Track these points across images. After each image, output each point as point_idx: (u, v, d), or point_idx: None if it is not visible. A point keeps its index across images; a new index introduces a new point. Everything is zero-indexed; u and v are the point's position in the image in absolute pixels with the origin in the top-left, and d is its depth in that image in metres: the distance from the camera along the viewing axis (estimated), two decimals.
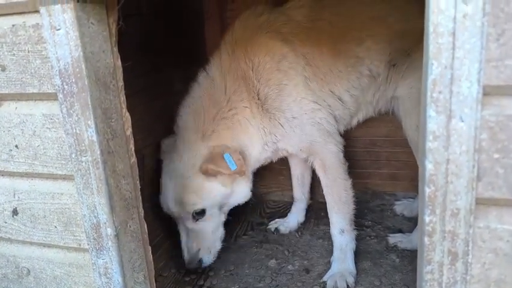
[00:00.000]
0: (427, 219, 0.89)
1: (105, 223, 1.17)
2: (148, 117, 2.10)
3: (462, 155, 0.84)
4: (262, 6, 1.99)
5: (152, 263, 1.34)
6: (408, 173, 2.71)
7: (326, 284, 1.99)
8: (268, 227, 2.50)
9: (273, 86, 1.86)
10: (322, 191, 2.73)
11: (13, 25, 1.11)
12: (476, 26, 0.78)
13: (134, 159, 1.25)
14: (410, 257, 2.16)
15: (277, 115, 1.89)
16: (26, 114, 1.18)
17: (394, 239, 2.30)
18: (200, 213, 1.86)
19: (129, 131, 1.23)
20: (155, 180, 2.17)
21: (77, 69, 1.07)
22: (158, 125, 2.21)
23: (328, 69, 1.90)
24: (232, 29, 1.99)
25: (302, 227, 2.52)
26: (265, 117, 1.90)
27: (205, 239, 1.94)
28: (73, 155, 1.15)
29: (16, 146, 1.22)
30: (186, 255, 1.96)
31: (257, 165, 2.05)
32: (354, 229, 2.10)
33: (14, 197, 1.27)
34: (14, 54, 1.14)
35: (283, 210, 2.59)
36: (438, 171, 0.86)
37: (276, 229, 2.47)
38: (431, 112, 0.84)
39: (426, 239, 0.90)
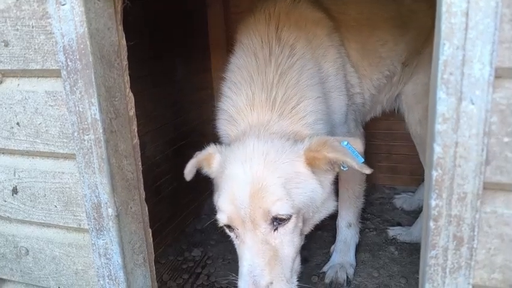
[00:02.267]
0: (433, 203, 0.88)
1: (106, 203, 1.16)
2: (149, 104, 2.09)
3: (471, 138, 0.83)
4: None
5: (152, 246, 1.33)
6: (408, 167, 2.72)
7: (325, 274, 1.99)
8: None
9: (331, 62, 1.66)
10: None
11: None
12: (490, 6, 0.77)
13: (136, 140, 1.23)
14: (409, 250, 2.17)
15: (337, 96, 1.66)
16: (28, 91, 1.17)
17: (393, 231, 2.31)
18: (282, 221, 1.25)
19: (132, 111, 1.21)
20: (155, 166, 2.17)
21: (82, 46, 1.06)
22: (158, 112, 2.20)
23: (355, 63, 1.85)
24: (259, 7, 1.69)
25: None
26: (326, 97, 1.60)
27: (283, 264, 1.27)
28: (75, 134, 1.13)
29: (17, 124, 1.20)
30: (247, 283, 1.23)
31: None
32: (360, 222, 2.11)
33: (14, 176, 1.26)
34: (17, 29, 1.12)
35: None
36: (446, 154, 0.85)
37: None
38: (441, 94, 0.82)
39: (431, 224, 0.89)
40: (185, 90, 2.49)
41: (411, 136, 2.13)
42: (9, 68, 1.16)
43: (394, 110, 2.22)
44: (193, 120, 2.58)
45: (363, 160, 1.24)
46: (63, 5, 1.04)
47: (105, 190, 1.15)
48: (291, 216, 1.24)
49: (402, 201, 2.61)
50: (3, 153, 1.27)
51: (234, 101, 1.49)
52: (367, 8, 1.87)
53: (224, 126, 1.52)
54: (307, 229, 1.41)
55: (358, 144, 1.28)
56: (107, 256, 1.21)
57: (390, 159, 2.74)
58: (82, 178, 1.16)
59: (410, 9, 1.89)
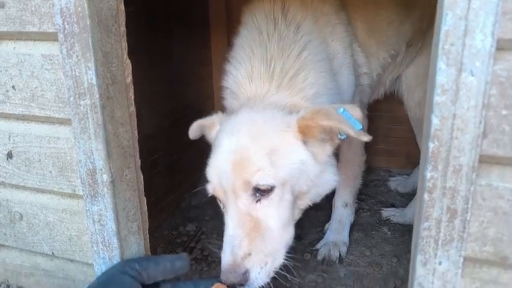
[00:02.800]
0: (428, 175, 0.88)
1: (101, 169, 1.15)
2: (145, 83, 2.07)
3: (469, 110, 0.83)
4: None
5: (147, 214, 1.33)
6: (404, 150, 2.73)
7: (317, 251, 2.01)
8: None
9: (339, 41, 1.62)
10: None
11: None
12: None
13: (133, 108, 1.22)
14: (402, 231, 2.19)
15: (344, 76, 1.62)
16: (24, 54, 1.15)
17: (387, 212, 2.33)
18: (265, 192, 1.20)
19: (129, 79, 1.20)
20: (151, 140, 2.16)
21: (79, 8, 1.04)
22: (155, 91, 2.19)
23: (362, 42, 1.83)
24: None
25: None
26: (335, 77, 1.57)
27: (264, 238, 1.21)
28: (71, 98, 1.12)
29: (13, 87, 1.19)
30: (225, 258, 1.19)
31: None
32: (361, 201, 2.12)
33: (9, 140, 1.25)
34: None
35: None
36: (444, 126, 0.85)
37: None
38: (441, 65, 0.82)
39: (426, 195, 0.90)
40: (184, 66, 2.47)
41: (409, 119, 2.14)
42: (5, 30, 1.14)
43: (394, 92, 2.21)
44: (191, 97, 2.57)
45: (361, 127, 1.16)
46: None
47: (100, 156, 1.14)
48: (273, 187, 1.18)
49: (397, 183, 2.63)
50: None
51: (235, 76, 1.46)
52: None
53: (228, 102, 1.50)
54: (304, 203, 1.34)
55: (356, 111, 1.21)
56: (101, 222, 1.21)
57: (387, 142, 2.75)
58: (77, 144, 1.16)
59: None
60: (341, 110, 1.18)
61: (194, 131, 1.48)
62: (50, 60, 1.13)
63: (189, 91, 2.56)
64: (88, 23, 1.04)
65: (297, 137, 1.23)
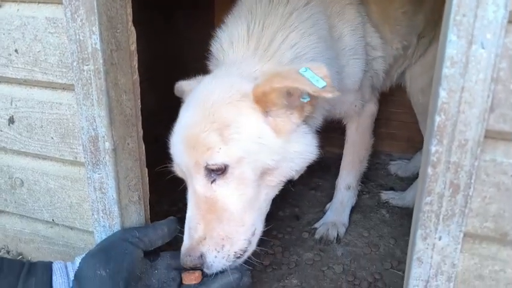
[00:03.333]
0: (433, 149, 0.88)
1: (103, 137, 1.15)
2: (147, 53, 2.04)
3: (478, 83, 0.82)
4: None
5: (148, 185, 1.33)
6: (406, 134, 2.71)
7: (315, 231, 2.01)
8: None
9: (348, 22, 1.53)
10: (321, 146, 2.76)
11: None
12: None
13: (136, 76, 1.21)
14: (400, 214, 2.19)
15: (352, 60, 1.55)
16: (28, 16, 1.14)
17: (386, 195, 2.32)
18: (219, 171, 1.10)
19: (133, 46, 1.19)
20: (153, 116, 2.14)
21: None
22: (157, 63, 2.16)
23: (377, 25, 1.75)
24: None
25: None
26: (338, 60, 1.48)
27: (220, 220, 1.12)
28: (75, 63, 1.11)
29: (16, 51, 1.18)
30: (184, 242, 1.17)
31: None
32: (361, 184, 2.11)
33: (11, 105, 1.24)
34: None
35: None
36: (451, 99, 0.84)
37: None
38: (452, 36, 0.80)
39: (429, 169, 0.89)
40: (187, 43, 2.45)
41: (412, 105, 2.11)
42: None
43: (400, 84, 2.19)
44: (194, 75, 2.55)
45: (324, 84, 1.01)
46: None
47: (103, 123, 1.13)
48: (226, 166, 1.08)
49: (397, 167, 2.62)
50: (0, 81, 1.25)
51: (219, 39, 1.34)
52: None
53: (210, 68, 1.38)
54: (275, 180, 1.19)
55: (321, 69, 1.05)
56: (102, 190, 1.21)
57: (389, 126, 2.73)
58: (79, 110, 1.15)
59: None
60: (303, 69, 1.04)
61: (177, 91, 1.41)
62: (54, 23, 1.12)
63: (191, 69, 2.53)
64: None
65: (255, 108, 1.10)
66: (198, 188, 1.13)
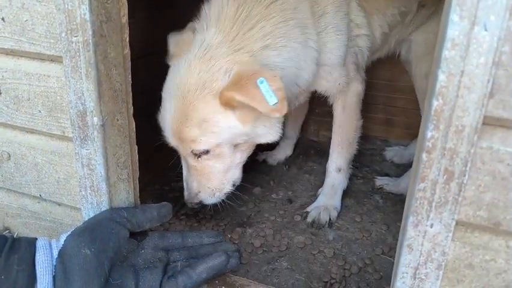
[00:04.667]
0: (429, 134, 0.85)
1: (92, 111, 1.12)
2: (148, 27, 2.00)
3: (479, 67, 0.79)
4: None
5: (138, 164, 1.30)
6: (403, 120, 2.69)
7: (307, 214, 2.00)
8: (256, 157, 2.47)
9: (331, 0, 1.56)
10: (316, 129, 2.74)
11: None
12: None
13: (128, 50, 1.17)
14: (394, 200, 2.18)
15: (333, 36, 1.59)
16: None
17: (381, 181, 2.30)
18: (203, 152, 1.41)
19: (125, 19, 1.14)
20: (148, 93, 2.10)
21: None
22: (158, 35, 2.11)
23: (361, 8, 1.74)
24: None
25: (290, 160, 2.52)
26: (318, 36, 1.54)
27: (209, 180, 1.50)
28: (63, 34, 1.07)
29: (2, 19, 1.13)
30: (185, 193, 1.58)
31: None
32: (356, 168, 2.09)
33: None
34: None
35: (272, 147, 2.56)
36: (450, 83, 0.81)
37: (264, 160, 2.46)
38: (454, 17, 0.77)
39: (424, 155, 0.87)
40: (187, 16, 2.38)
41: (415, 90, 2.08)
42: None
43: (396, 56, 2.15)
44: None
45: (276, 101, 1.18)
46: None
47: (91, 97, 1.10)
48: (208, 150, 1.39)
49: (393, 153, 2.60)
50: None
51: (211, 7, 1.43)
52: None
53: (195, 26, 1.49)
54: (247, 148, 1.52)
55: (275, 82, 1.20)
56: (90, 167, 1.18)
57: (386, 111, 2.70)
58: (67, 83, 1.11)
59: None
60: (261, 80, 1.19)
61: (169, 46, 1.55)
62: None
63: None
64: None
65: (223, 106, 1.30)
66: (188, 159, 1.47)
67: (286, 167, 2.46)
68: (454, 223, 0.90)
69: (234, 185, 1.60)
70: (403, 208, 2.07)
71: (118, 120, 1.18)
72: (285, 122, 2.43)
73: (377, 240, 1.88)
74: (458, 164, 0.85)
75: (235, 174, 1.59)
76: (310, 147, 2.70)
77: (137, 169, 1.31)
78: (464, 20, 0.77)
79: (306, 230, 1.92)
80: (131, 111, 1.23)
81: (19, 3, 1.10)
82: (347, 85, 1.82)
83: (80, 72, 1.09)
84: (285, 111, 1.22)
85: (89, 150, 1.16)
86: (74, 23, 1.05)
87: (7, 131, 1.27)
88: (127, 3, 1.14)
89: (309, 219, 1.96)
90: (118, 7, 1.11)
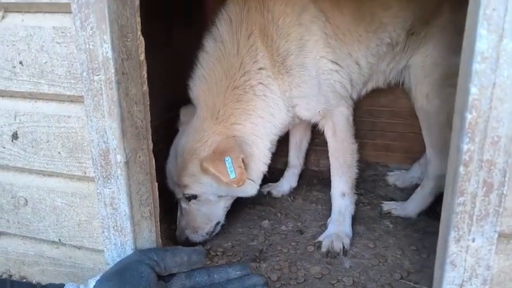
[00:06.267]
0: (465, 147, 0.86)
1: (115, 149, 1.10)
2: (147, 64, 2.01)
3: (509, 78, 0.81)
4: None
5: (158, 200, 1.28)
6: (402, 145, 2.72)
7: (320, 244, 1.97)
8: (261, 190, 2.45)
9: (294, 42, 1.73)
10: (316, 159, 2.75)
11: None
12: None
13: (146, 87, 1.18)
14: (403, 224, 2.17)
15: (300, 73, 1.76)
16: (34, 26, 1.09)
17: (388, 206, 2.30)
18: (192, 197, 1.80)
19: (143, 56, 1.15)
20: (152, 130, 2.10)
21: None
22: (157, 73, 2.12)
23: (347, 30, 1.82)
24: None
25: (294, 192, 2.50)
26: (286, 77, 1.77)
27: (194, 220, 1.86)
28: (84, 74, 1.07)
29: (20, 63, 1.13)
30: (177, 229, 1.92)
31: (277, 135, 1.91)
32: (355, 193, 2.09)
33: (15, 120, 1.19)
34: None
35: (275, 177, 2.55)
36: (482, 95, 0.83)
37: (269, 192, 2.44)
38: (481, 31, 0.80)
39: (461, 169, 0.87)
40: (183, 59, 2.41)
41: (416, 111, 2.10)
42: (13, 1, 1.09)
43: (399, 83, 2.19)
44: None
45: (234, 176, 1.61)
46: None
47: (114, 135, 1.09)
48: (196, 196, 1.79)
49: (395, 178, 2.61)
50: (2, 96, 1.19)
51: (198, 84, 1.83)
52: None
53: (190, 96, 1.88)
54: (230, 198, 1.91)
55: (237, 162, 1.62)
56: (114, 206, 1.15)
57: (385, 137, 2.73)
58: (89, 122, 1.10)
59: None
60: (227, 159, 1.62)
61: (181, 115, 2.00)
62: (62, 33, 1.08)
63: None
64: None
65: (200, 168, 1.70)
66: (181, 202, 1.87)
67: (291, 198, 2.44)
68: (496, 235, 0.90)
69: (218, 224, 1.93)
70: (414, 232, 2.07)
71: (139, 157, 1.17)
72: (284, 151, 2.45)
73: (394, 265, 1.86)
74: (496, 175, 0.86)
75: (218, 218, 1.92)
76: (313, 177, 2.69)
77: (158, 206, 1.28)
78: (492, 33, 0.80)
79: (321, 260, 1.90)
80: (151, 147, 1.22)
81: (38, 46, 1.10)
82: (329, 112, 1.89)
83: (103, 111, 1.08)
84: (241, 183, 1.62)
85: (112, 189, 1.14)
86: (96, 62, 1.05)
87: (24, 175, 1.25)
88: (144, 41, 1.15)
89: (323, 249, 1.94)
90: (136, 45, 1.12)
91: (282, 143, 2.49)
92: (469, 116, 0.84)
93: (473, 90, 0.83)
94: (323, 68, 1.80)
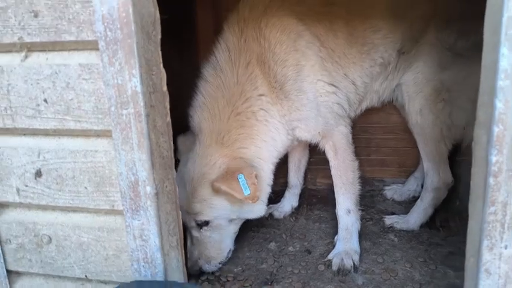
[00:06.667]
0: (494, 159, 0.91)
1: (144, 181, 1.11)
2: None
3: None
4: None
5: (182, 228, 1.28)
6: (396, 159, 2.78)
7: (331, 262, 1.99)
8: None
9: (291, 67, 1.79)
10: (313, 178, 2.78)
11: None
12: None
13: (169, 117, 1.19)
14: (408, 237, 2.21)
15: (298, 97, 1.82)
16: (59, 64, 1.10)
17: (390, 220, 2.34)
18: (204, 223, 1.79)
19: (165, 88, 1.17)
20: None
21: (124, 14, 1.02)
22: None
23: (342, 53, 1.89)
24: (237, 8, 1.89)
25: (296, 212, 2.52)
26: (285, 101, 1.82)
27: (207, 248, 1.84)
28: (112, 108, 1.08)
29: (45, 100, 1.13)
30: (188, 260, 1.84)
31: (278, 158, 1.95)
32: (359, 209, 2.12)
33: (39, 157, 1.18)
34: None
35: (276, 198, 2.57)
36: (508, 109, 0.88)
37: (270, 214, 2.45)
38: (504, 50, 0.86)
39: (491, 180, 0.92)
40: (179, 83, 2.42)
41: (410, 126, 2.17)
42: (38, 40, 1.10)
43: (392, 100, 2.27)
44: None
45: (248, 192, 1.62)
46: None
47: (144, 167, 1.10)
48: (208, 221, 1.77)
49: (392, 192, 2.66)
50: (24, 134, 1.19)
51: (200, 113, 1.84)
52: None
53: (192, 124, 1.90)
54: (239, 222, 1.91)
55: (250, 178, 1.64)
56: (143, 237, 1.15)
57: (380, 152, 2.79)
58: (118, 155, 1.11)
59: None
60: (240, 176, 1.64)
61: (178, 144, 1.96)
62: (89, 69, 1.09)
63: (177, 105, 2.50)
64: (133, 28, 1.03)
65: (212, 191, 1.71)
66: (192, 231, 1.84)
67: (294, 218, 2.46)
68: None
69: (228, 254, 1.94)
70: (419, 244, 2.11)
71: (166, 186, 1.18)
72: (287, 171, 2.47)
73: (405, 278, 1.89)
74: None
75: (229, 245, 1.93)
76: (312, 196, 2.72)
77: (183, 235, 1.28)
78: None
79: (333, 278, 1.91)
80: (175, 176, 1.23)
81: (63, 83, 1.11)
82: (329, 132, 1.94)
83: (132, 144, 1.09)
84: (256, 200, 1.65)
85: (141, 221, 1.14)
86: (125, 96, 1.06)
87: (47, 213, 1.23)
88: (165, 73, 1.17)
89: (334, 267, 1.95)
90: (160, 77, 1.14)
91: (278, 165, 2.54)
92: (496, 129, 0.89)
93: (499, 105, 0.88)
94: (320, 91, 1.86)
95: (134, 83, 1.05)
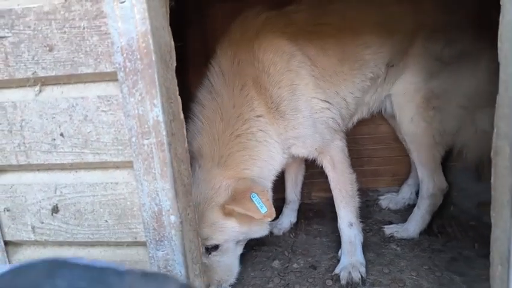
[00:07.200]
0: None
1: (168, 210, 1.09)
2: None
3: None
4: (260, 7, 1.94)
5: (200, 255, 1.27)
6: (389, 169, 2.83)
7: (338, 277, 1.99)
8: None
9: (285, 87, 1.82)
10: (308, 192, 2.80)
11: (66, 0, 1.02)
12: None
13: (187, 145, 1.19)
14: (409, 245, 2.24)
15: (294, 116, 1.85)
16: (76, 97, 1.08)
17: (390, 229, 2.36)
18: (213, 248, 1.78)
19: (182, 115, 1.17)
20: None
21: (144, 45, 1.01)
22: None
23: (333, 71, 1.94)
24: (229, 31, 1.92)
25: (295, 228, 2.52)
26: (281, 121, 1.85)
27: (217, 273, 1.83)
28: (133, 139, 1.07)
29: (61, 135, 1.11)
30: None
31: (275, 176, 1.97)
32: (361, 221, 2.14)
33: (55, 193, 1.15)
34: (65, 31, 1.04)
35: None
36: None
37: (270, 232, 2.44)
38: None
39: None
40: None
41: (403, 134, 2.22)
42: (53, 74, 1.07)
43: (381, 110, 2.31)
44: None
45: (265, 210, 1.61)
46: (122, 2, 1.00)
47: (167, 196, 1.08)
48: (217, 245, 1.77)
49: (387, 201, 2.69)
50: (38, 169, 1.15)
51: (199, 136, 1.84)
52: (351, 15, 1.96)
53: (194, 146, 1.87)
54: (243, 242, 1.91)
55: (264, 195, 1.64)
56: (168, 268, 1.13)
57: (372, 163, 2.83)
58: (140, 186, 1.09)
59: (396, 13, 2.00)
60: (253, 195, 1.63)
61: None
62: (108, 101, 1.07)
63: None
64: (153, 58, 1.02)
65: (221, 213, 1.72)
66: (203, 257, 1.71)
67: (293, 234, 2.46)
68: None
69: (236, 274, 1.92)
70: (421, 251, 2.14)
71: (188, 214, 1.16)
72: (279, 187, 2.48)
73: (413, 287, 1.91)
74: None
75: (237, 266, 1.93)
76: (308, 211, 2.73)
77: (201, 261, 1.27)
78: None
79: None
80: (194, 202, 1.22)
81: (81, 116, 1.09)
82: (326, 147, 1.97)
83: (154, 173, 1.08)
84: (274, 215, 1.64)
85: (165, 251, 1.12)
86: (146, 126, 1.05)
87: (64, 249, 1.19)
88: (180, 100, 1.17)
89: (342, 281, 1.96)
90: (177, 105, 1.14)
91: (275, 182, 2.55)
92: None
93: None
94: (315, 108, 1.90)
95: (156, 113, 1.04)
